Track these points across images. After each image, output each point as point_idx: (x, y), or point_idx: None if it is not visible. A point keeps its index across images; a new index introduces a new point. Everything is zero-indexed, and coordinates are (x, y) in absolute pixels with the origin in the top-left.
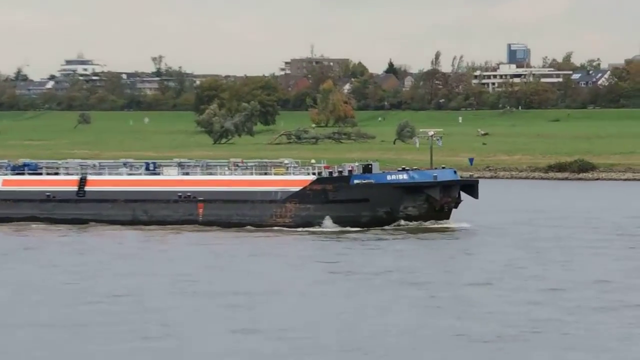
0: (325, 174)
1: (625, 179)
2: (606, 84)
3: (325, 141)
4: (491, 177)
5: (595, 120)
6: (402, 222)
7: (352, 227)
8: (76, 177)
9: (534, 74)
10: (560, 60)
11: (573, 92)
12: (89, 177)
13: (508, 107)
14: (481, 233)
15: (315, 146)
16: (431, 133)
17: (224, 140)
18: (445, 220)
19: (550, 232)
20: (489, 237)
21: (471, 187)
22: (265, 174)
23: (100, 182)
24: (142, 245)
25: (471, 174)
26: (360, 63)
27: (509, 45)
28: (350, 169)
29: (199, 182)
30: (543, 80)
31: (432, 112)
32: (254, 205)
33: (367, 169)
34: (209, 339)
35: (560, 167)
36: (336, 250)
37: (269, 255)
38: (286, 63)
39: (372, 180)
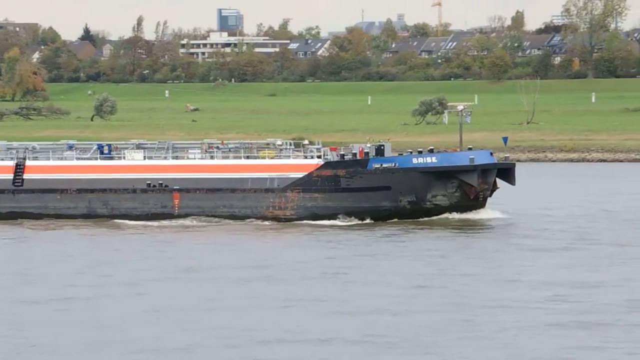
0: (332, 157)
1: None
2: (326, 55)
3: (11, 117)
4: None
5: (314, 94)
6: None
7: (370, 219)
8: (10, 163)
9: (247, 43)
10: (276, 27)
11: (291, 64)
12: (28, 163)
13: (220, 80)
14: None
15: (1, 123)
16: (461, 107)
17: None
18: (481, 210)
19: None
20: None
21: (507, 172)
22: (248, 157)
23: (43, 169)
24: None
25: (507, 155)
26: (51, 28)
27: (220, 11)
28: (364, 150)
29: (172, 167)
30: (258, 50)
31: (136, 84)
32: (246, 195)
33: (379, 150)
34: None
35: None
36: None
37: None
38: None
39: (394, 164)
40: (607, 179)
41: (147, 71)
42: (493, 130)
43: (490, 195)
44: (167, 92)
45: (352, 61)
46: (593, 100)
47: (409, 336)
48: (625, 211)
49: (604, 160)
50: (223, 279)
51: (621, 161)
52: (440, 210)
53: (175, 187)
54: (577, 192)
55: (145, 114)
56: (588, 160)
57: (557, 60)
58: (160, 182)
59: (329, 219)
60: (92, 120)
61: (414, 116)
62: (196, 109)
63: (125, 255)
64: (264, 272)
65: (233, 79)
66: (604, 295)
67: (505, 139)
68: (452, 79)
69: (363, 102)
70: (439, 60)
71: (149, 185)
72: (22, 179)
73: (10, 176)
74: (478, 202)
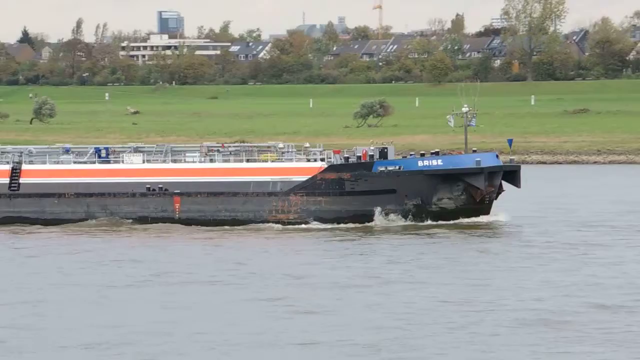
0: (336, 159)
1: None
2: (268, 57)
3: None
4: None
5: (256, 97)
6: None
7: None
8: (6, 167)
9: (188, 46)
10: (217, 30)
11: (232, 66)
12: (24, 167)
13: (160, 83)
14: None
15: None
16: (465, 110)
17: None
18: (485, 216)
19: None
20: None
21: (513, 174)
22: (248, 160)
23: (40, 173)
24: None
25: (512, 157)
26: None
27: (160, 13)
28: (368, 153)
29: (173, 171)
30: (199, 52)
31: (75, 87)
32: (248, 199)
33: (383, 153)
34: None
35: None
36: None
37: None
38: None
39: (400, 167)
40: (550, 181)
41: (87, 74)
42: (434, 133)
43: (496, 199)
44: (107, 94)
45: (294, 64)
46: (533, 102)
47: (388, 339)
48: (580, 213)
49: (544, 163)
50: (195, 284)
51: (560, 163)
52: (446, 213)
53: (175, 191)
54: (529, 195)
55: (85, 116)
56: (527, 163)
57: (497, 63)
58: (161, 185)
59: (333, 223)
60: (31, 123)
61: (355, 119)
62: (136, 112)
63: (101, 258)
64: (239, 276)
65: (174, 82)
66: (575, 297)
67: (510, 141)
68: (393, 81)
69: (305, 104)
70: (380, 63)
71: (148, 189)
72: (19, 183)
73: (6, 180)
74: (484, 205)
